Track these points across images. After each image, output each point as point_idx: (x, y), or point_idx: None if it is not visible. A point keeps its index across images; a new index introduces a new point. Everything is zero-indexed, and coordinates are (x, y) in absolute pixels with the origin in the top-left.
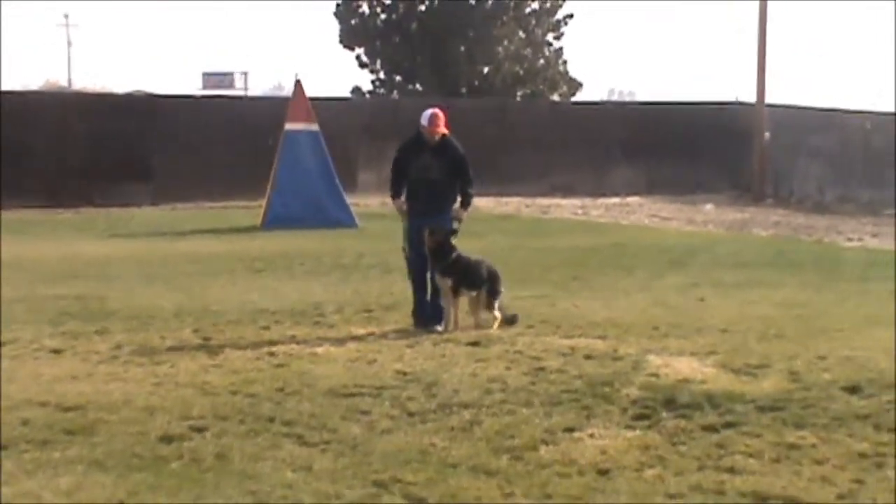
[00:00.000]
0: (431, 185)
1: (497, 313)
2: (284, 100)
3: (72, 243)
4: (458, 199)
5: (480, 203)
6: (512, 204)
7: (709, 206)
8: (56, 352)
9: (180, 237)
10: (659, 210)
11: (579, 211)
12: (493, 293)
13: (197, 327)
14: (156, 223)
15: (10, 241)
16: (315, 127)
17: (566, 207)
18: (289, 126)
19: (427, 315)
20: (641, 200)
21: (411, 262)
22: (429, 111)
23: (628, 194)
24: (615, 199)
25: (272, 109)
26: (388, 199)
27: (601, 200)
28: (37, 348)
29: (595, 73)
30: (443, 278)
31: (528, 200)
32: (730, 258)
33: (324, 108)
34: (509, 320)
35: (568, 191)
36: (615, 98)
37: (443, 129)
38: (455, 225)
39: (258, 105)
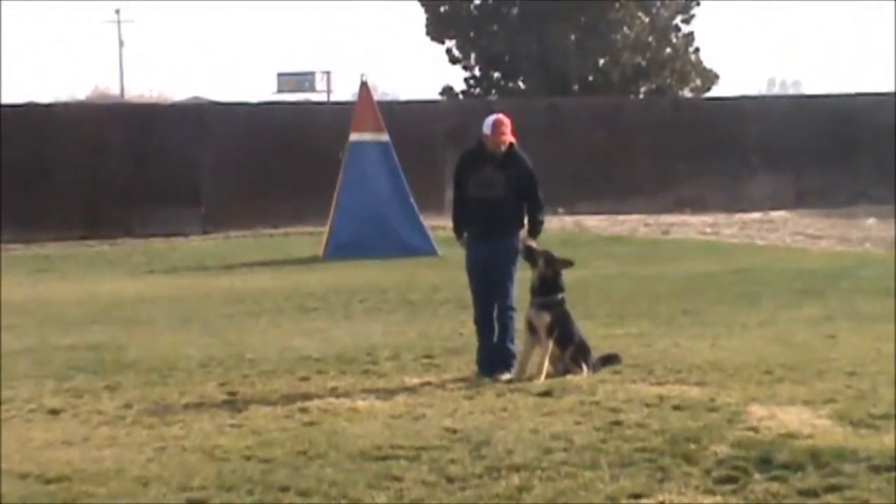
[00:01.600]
0: (494, 204)
1: (585, 373)
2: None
3: (98, 281)
4: (526, 226)
5: (589, 223)
6: (628, 223)
7: (871, 221)
8: (54, 412)
9: (226, 271)
10: (807, 227)
11: (708, 230)
12: (578, 366)
13: (224, 380)
14: (202, 255)
15: (27, 280)
16: (384, 137)
17: (693, 226)
18: (354, 136)
19: (493, 361)
20: (787, 215)
21: (474, 298)
22: (492, 117)
23: (772, 208)
24: (755, 215)
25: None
26: None
27: (738, 216)
28: (33, 408)
29: (739, 60)
30: (539, 314)
31: (649, 218)
32: (876, 284)
33: (403, 112)
34: (607, 360)
35: (698, 206)
36: (776, 90)
37: (509, 138)
38: (517, 266)
39: (336, 111)
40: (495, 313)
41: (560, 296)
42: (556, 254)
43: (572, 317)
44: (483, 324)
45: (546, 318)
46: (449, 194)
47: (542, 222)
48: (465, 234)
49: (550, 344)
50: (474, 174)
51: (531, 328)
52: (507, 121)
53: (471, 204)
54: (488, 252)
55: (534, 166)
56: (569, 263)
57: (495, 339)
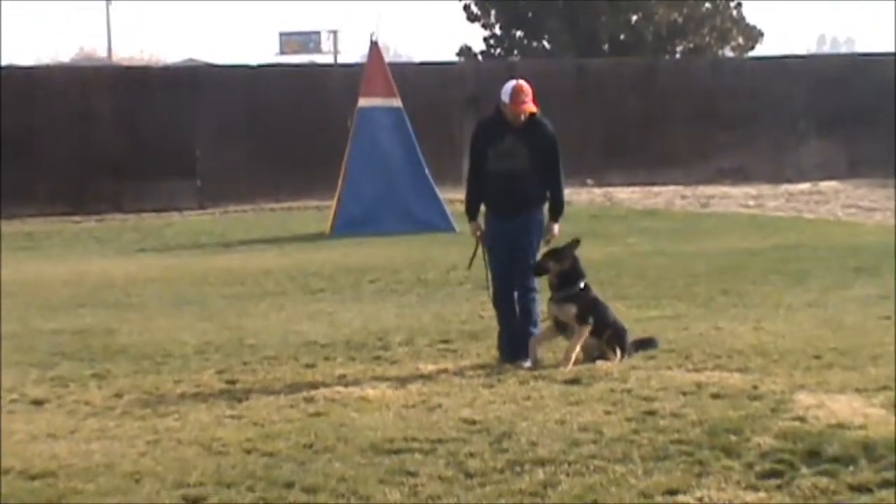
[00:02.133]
0: (517, 176)
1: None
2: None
3: (87, 261)
4: (547, 207)
5: (621, 195)
6: (664, 195)
7: None
8: (38, 403)
9: (225, 249)
10: (860, 198)
11: (751, 202)
12: (613, 350)
13: (222, 367)
14: (198, 232)
15: (8, 259)
16: (396, 102)
17: (735, 198)
18: (363, 102)
19: (515, 347)
20: (839, 186)
21: (495, 278)
22: (510, 83)
23: (822, 178)
24: (803, 186)
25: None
26: None
27: (784, 188)
28: (15, 399)
29: (786, 16)
30: (562, 308)
31: (686, 190)
32: None
33: (417, 75)
34: (642, 344)
35: (740, 176)
36: (826, 49)
37: (530, 107)
38: (540, 243)
39: (344, 74)
40: (516, 295)
41: (581, 283)
42: (559, 242)
43: (602, 300)
44: (503, 306)
45: (572, 309)
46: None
47: (563, 201)
48: (484, 211)
49: (587, 331)
50: (493, 145)
51: (559, 324)
52: (527, 88)
53: (490, 177)
54: (510, 228)
55: (558, 135)
56: (575, 243)
57: (517, 323)
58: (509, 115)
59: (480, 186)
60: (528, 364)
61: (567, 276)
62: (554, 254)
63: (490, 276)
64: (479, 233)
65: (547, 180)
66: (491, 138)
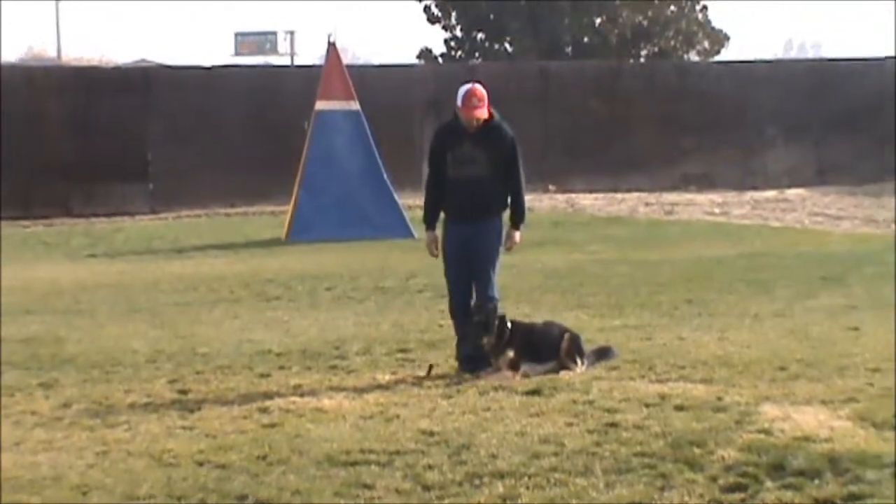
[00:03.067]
0: (474, 183)
1: (581, 368)
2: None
3: (35, 266)
4: (508, 215)
5: (584, 202)
6: (628, 202)
7: None
8: None
9: (178, 255)
10: (828, 206)
11: (717, 210)
12: (573, 361)
13: (174, 377)
14: (150, 237)
15: None
16: (355, 105)
17: (700, 205)
18: (321, 105)
19: (475, 357)
20: (806, 193)
21: (453, 286)
22: (465, 87)
23: (789, 186)
24: (770, 193)
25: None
26: None
27: (750, 195)
28: None
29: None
30: (498, 358)
31: (651, 196)
32: None
33: (376, 78)
34: (600, 354)
35: (706, 183)
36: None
37: (482, 113)
38: (500, 251)
39: (301, 76)
40: (479, 306)
41: (508, 329)
42: (521, 251)
43: (535, 326)
44: (462, 315)
45: (508, 354)
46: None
47: (524, 208)
48: (443, 219)
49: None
50: (452, 151)
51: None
52: (481, 92)
53: (450, 184)
54: (469, 235)
55: (518, 139)
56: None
57: (476, 332)
58: (463, 119)
59: (439, 194)
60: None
61: (486, 329)
62: (477, 306)
63: (448, 285)
64: (434, 245)
65: (507, 186)
66: (449, 144)
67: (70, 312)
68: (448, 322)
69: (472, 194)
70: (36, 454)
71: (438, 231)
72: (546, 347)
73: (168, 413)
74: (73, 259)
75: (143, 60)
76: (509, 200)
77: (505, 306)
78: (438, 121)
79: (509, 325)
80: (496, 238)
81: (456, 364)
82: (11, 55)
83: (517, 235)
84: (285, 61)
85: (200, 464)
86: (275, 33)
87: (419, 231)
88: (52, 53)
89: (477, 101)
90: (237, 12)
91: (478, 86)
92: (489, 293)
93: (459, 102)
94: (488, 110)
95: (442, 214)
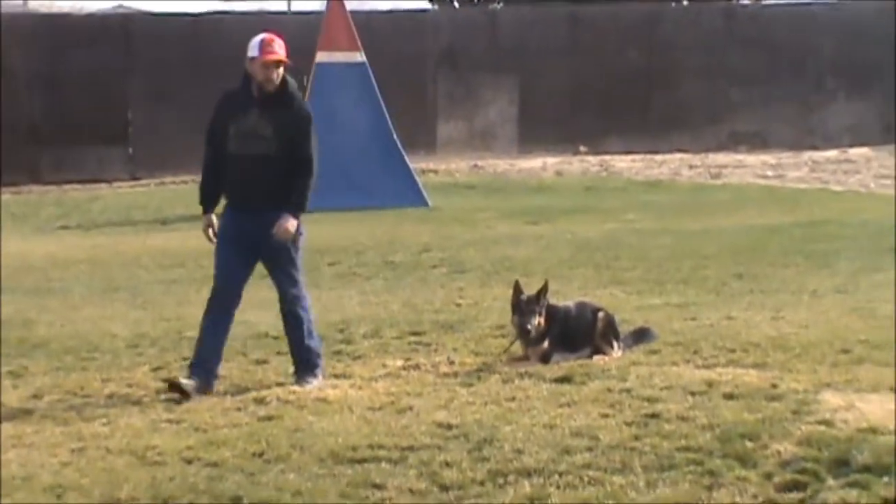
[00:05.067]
0: (259, 163)
1: (617, 352)
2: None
3: (1, 240)
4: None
5: (619, 165)
6: (668, 164)
7: None
8: None
9: (162, 227)
10: None
11: (769, 172)
12: (608, 344)
13: (158, 364)
14: (130, 206)
15: None
16: (359, 57)
17: (751, 168)
18: (321, 56)
19: (301, 363)
20: (872, 153)
21: (221, 280)
22: (259, 37)
23: (852, 144)
24: (830, 153)
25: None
26: (480, 162)
27: (807, 155)
28: None
29: None
30: (534, 347)
31: (695, 158)
32: None
33: (384, 25)
34: (638, 336)
35: (757, 142)
36: None
37: (282, 56)
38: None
39: (299, 24)
40: (284, 307)
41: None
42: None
43: (569, 308)
44: (218, 314)
45: (542, 346)
46: (443, 129)
47: (308, 188)
48: (214, 225)
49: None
50: (235, 122)
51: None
52: (280, 42)
53: (230, 161)
54: (254, 227)
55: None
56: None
57: (292, 335)
58: (259, 73)
59: (218, 172)
60: (315, 382)
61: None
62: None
63: (219, 277)
64: (210, 230)
65: (293, 165)
66: (234, 113)
67: (41, 292)
68: (466, 301)
69: (257, 177)
70: (5, 451)
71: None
72: (580, 333)
73: (152, 405)
74: (43, 231)
75: (121, 6)
76: (293, 182)
77: (531, 284)
78: (455, 72)
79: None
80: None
81: (187, 380)
82: None
83: (291, 223)
84: (281, 7)
85: (189, 462)
86: None
87: (434, 198)
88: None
89: (278, 47)
90: None
91: (273, 35)
92: (298, 293)
93: (256, 52)
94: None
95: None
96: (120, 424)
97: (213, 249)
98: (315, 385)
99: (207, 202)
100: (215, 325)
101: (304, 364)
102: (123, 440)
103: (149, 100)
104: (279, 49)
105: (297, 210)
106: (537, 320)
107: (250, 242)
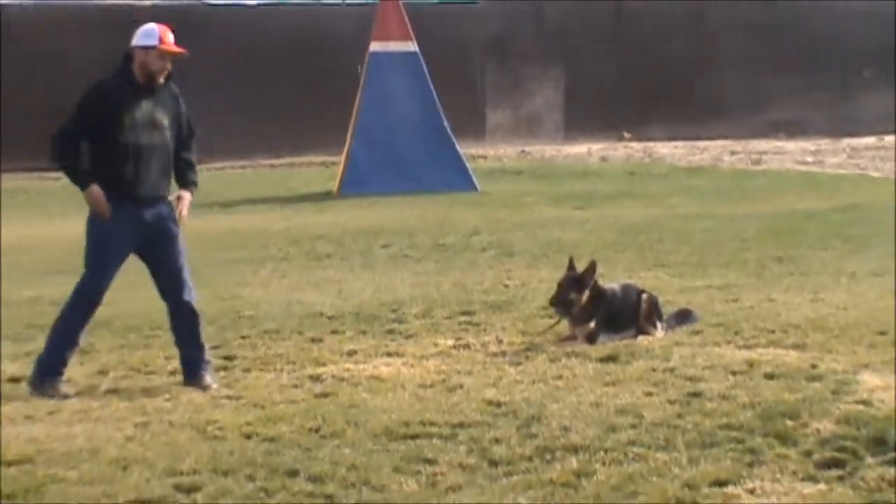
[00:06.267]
0: (160, 151)
1: (659, 332)
2: None
3: (65, 222)
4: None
5: (662, 151)
6: (710, 150)
7: None
8: (13, 380)
9: (221, 210)
10: None
11: (809, 158)
12: (652, 325)
13: (218, 342)
14: None
15: None
16: (412, 46)
17: (791, 154)
18: (375, 46)
19: (187, 370)
20: None
21: (99, 284)
22: (151, 26)
23: (889, 132)
24: (868, 140)
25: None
26: (527, 148)
27: (846, 142)
28: None
29: None
30: (581, 326)
31: (736, 144)
32: None
33: (436, 16)
34: (681, 318)
35: (796, 129)
36: None
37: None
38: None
39: (354, 15)
40: (184, 300)
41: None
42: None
43: (615, 291)
44: (90, 314)
45: (589, 326)
46: (492, 116)
47: (196, 168)
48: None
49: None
50: (128, 112)
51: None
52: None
53: (123, 153)
54: (147, 221)
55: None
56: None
57: (183, 345)
58: (154, 63)
59: (100, 161)
60: (215, 384)
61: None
62: (575, 282)
63: (98, 273)
64: (104, 200)
65: (186, 143)
66: (121, 102)
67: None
68: (514, 282)
69: (157, 165)
70: (71, 426)
71: None
72: (625, 314)
73: None
74: None
75: None
76: (183, 163)
77: (577, 266)
78: (503, 62)
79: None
80: (176, 223)
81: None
82: None
83: (187, 203)
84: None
85: (248, 436)
86: None
87: (482, 183)
88: None
89: (172, 37)
90: None
91: (164, 26)
92: (190, 295)
93: (154, 41)
94: None
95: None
96: (182, 400)
97: (92, 244)
98: (216, 385)
99: (85, 176)
100: (83, 324)
101: (204, 362)
102: (185, 415)
103: (208, 88)
104: (172, 43)
105: (195, 187)
106: (573, 296)
107: (142, 235)
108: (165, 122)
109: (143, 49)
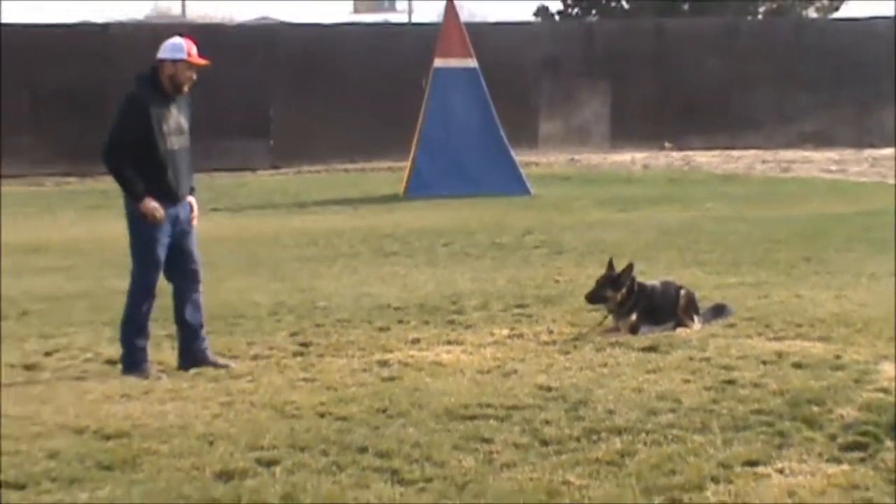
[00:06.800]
0: (185, 156)
1: (696, 325)
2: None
3: None
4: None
5: (700, 160)
6: (744, 159)
7: None
8: (112, 362)
9: (298, 210)
10: None
11: (833, 167)
12: (690, 318)
13: (296, 329)
14: (271, 192)
15: (82, 217)
16: (472, 63)
17: (817, 163)
18: (439, 62)
19: (190, 358)
20: None
21: (157, 269)
22: (177, 39)
23: None
24: (888, 151)
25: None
26: (576, 156)
27: (868, 153)
28: (89, 358)
29: None
30: (624, 319)
31: (767, 155)
32: None
33: (493, 35)
34: (716, 312)
35: (823, 140)
36: None
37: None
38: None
39: (419, 34)
40: (196, 291)
41: (636, 286)
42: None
43: (655, 286)
44: (153, 300)
45: (631, 317)
46: (544, 127)
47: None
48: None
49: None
50: (163, 121)
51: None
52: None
53: (165, 158)
54: (183, 215)
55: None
56: (630, 268)
57: (194, 335)
58: (182, 74)
59: (146, 169)
60: (230, 363)
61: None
62: (611, 281)
63: (151, 269)
64: (159, 210)
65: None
66: (158, 112)
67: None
68: (564, 277)
69: (185, 167)
70: (163, 403)
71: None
72: (665, 308)
73: (289, 365)
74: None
75: (265, 18)
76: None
77: (619, 264)
78: (555, 77)
79: (636, 287)
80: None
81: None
82: (139, 12)
83: (195, 204)
84: (403, 19)
85: (322, 416)
86: None
87: (535, 188)
88: (177, 11)
89: (196, 49)
90: None
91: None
92: (200, 287)
93: (181, 54)
94: None
95: None
96: (262, 382)
97: (141, 244)
98: (233, 365)
99: (142, 190)
100: (147, 316)
101: (201, 361)
102: (265, 395)
103: (288, 98)
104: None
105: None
106: (609, 293)
107: (176, 229)
108: (187, 126)
109: (171, 62)
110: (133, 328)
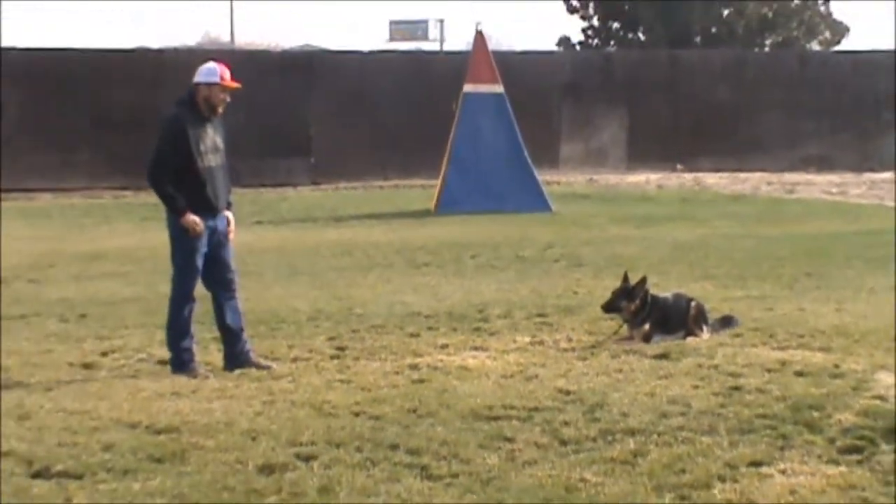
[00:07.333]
0: (222, 172)
1: (705, 334)
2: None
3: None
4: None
5: (709, 181)
6: (750, 181)
7: None
8: (163, 363)
9: (336, 223)
10: None
11: (834, 190)
12: (699, 328)
13: (333, 334)
14: (311, 206)
15: (136, 228)
16: (499, 88)
17: (819, 185)
18: (468, 88)
19: (235, 362)
20: None
21: (194, 278)
22: (212, 64)
23: None
24: (886, 175)
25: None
26: (595, 176)
27: (866, 176)
28: (143, 358)
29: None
30: (638, 328)
31: (772, 177)
32: None
33: (519, 63)
34: (724, 322)
35: (824, 164)
36: None
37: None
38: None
39: (450, 61)
40: (232, 297)
41: (649, 299)
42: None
43: (668, 298)
44: (192, 305)
45: (645, 327)
46: (564, 148)
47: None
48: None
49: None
50: (201, 141)
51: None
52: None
53: (205, 175)
54: (221, 228)
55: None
56: (643, 282)
57: (236, 339)
58: (217, 96)
59: (186, 185)
60: (271, 364)
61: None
62: (626, 293)
63: (190, 276)
64: (199, 227)
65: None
66: (196, 132)
67: (239, 274)
68: (583, 289)
69: (223, 183)
70: (210, 401)
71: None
72: (676, 318)
73: (327, 367)
74: (241, 225)
75: (307, 45)
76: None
77: (634, 277)
78: (576, 103)
79: (649, 299)
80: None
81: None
82: (191, 40)
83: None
84: (435, 47)
85: (356, 414)
86: (426, 21)
87: (556, 205)
88: (226, 38)
89: (230, 74)
90: (391, 2)
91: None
92: (237, 294)
93: (215, 78)
94: None
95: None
96: (302, 382)
97: (182, 254)
98: (274, 366)
99: (183, 204)
100: (189, 320)
101: (244, 362)
102: (304, 395)
103: (327, 120)
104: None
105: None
106: (623, 304)
107: (214, 240)
108: (222, 145)
109: (206, 85)
110: (177, 332)
